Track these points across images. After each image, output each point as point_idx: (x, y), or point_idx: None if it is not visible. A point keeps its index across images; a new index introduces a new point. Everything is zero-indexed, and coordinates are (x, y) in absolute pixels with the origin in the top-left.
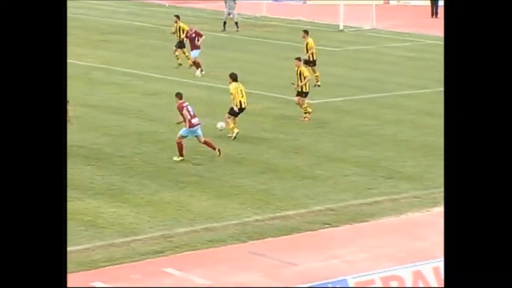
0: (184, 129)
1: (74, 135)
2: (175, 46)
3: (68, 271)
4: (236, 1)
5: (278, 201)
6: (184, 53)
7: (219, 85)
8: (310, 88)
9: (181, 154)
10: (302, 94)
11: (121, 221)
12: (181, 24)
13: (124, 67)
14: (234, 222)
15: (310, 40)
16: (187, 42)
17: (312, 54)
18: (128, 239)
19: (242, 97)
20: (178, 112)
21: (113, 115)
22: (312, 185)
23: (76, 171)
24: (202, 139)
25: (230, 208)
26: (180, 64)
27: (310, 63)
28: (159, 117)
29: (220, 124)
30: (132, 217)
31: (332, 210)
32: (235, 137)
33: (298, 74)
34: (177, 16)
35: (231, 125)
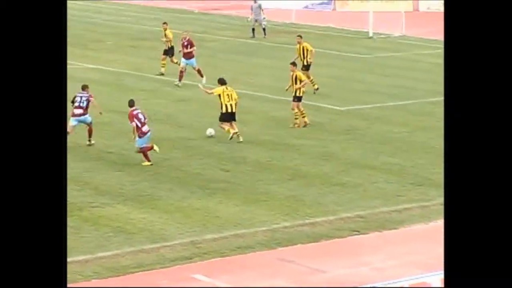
0: (137, 140)
1: (104, 141)
2: (169, 56)
3: (97, 276)
4: (263, 8)
5: (307, 208)
6: (162, 60)
7: (250, 92)
8: (303, 93)
9: (148, 160)
10: (294, 98)
11: (151, 227)
12: (167, 32)
13: (154, 73)
14: (263, 228)
15: (306, 44)
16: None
17: (307, 58)
18: (157, 245)
19: (229, 101)
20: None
21: None
22: (341, 192)
23: (106, 177)
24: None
25: (258, 215)
26: (162, 74)
27: (304, 67)
28: (189, 123)
29: (209, 131)
30: (161, 223)
31: (361, 217)
32: (231, 138)
33: (294, 78)
34: (166, 23)
35: (226, 128)
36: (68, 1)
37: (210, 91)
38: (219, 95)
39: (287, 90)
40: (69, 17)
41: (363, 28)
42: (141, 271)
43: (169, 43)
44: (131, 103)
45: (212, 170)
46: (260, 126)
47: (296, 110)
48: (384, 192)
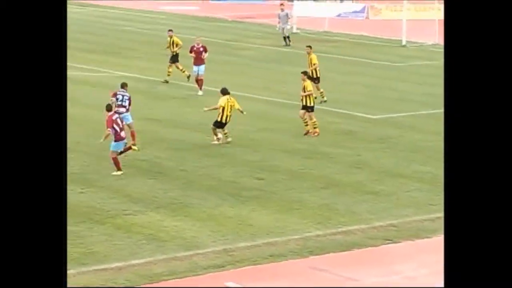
0: (113, 144)
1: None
2: (170, 61)
3: (130, 284)
4: (290, 16)
5: (340, 216)
6: (177, 67)
7: (282, 100)
8: (315, 102)
9: (119, 169)
10: (307, 108)
11: (183, 234)
12: (175, 38)
13: (187, 81)
14: (295, 237)
15: (313, 56)
16: (179, 55)
17: (315, 70)
18: (190, 253)
19: (230, 112)
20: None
21: (175, 129)
22: (374, 201)
23: (139, 185)
24: (115, 154)
25: (291, 223)
26: (167, 81)
27: (314, 80)
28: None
29: (216, 139)
30: (194, 231)
31: (393, 226)
32: (225, 142)
33: (303, 87)
34: (171, 30)
35: (218, 136)
36: (101, 10)
37: (214, 107)
38: (223, 107)
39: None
40: (101, 25)
41: (396, 37)
42: (174, 278)
43: (176, 49)
44: (109, 108)
45: (245, 178)
46: (292, 134)
47: (314, 119)
48: (417, 201)
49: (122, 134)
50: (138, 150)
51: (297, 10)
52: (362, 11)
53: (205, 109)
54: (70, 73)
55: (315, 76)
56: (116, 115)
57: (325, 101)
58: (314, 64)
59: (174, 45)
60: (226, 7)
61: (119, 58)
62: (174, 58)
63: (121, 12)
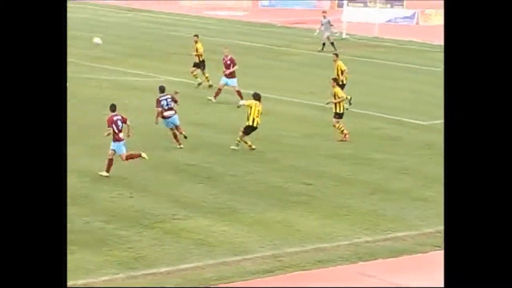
0: (112, 143)
1: (185, 153)
2: (200, 68)
3: None
4: (332, 24)
5: (389, 222)
6: (192, 72)
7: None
8: (344, 110)
9: (136, 156)
10: (335, 114)
11: (232, 240)
12: (198, 45)
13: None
14: (344, 242)
15: (340, 63)
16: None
17: (345, 77)
18: (238, 258)
19: (258, 116)
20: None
21: (224, 134)
22: (423, 207)
23: (188, 190)
24: (124, 156)
25: (339, 229)
26: (211, 86)
27: (341, 86)
28: (270, 136)
29: (96, 40)
30: (242, 236)
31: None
32: (253, 148)
33: (333, 94)
34: (197, 36)
35: (249, 143)
36: (151, 15)
37: (246, 103)
38: (250, 107)
39: (327, 104)
40: (149, 30)
41: None
42: (222, 283)
43: (200, 56)
44: (113, 108)
45: (293, 184)
46: (338, 139)
47: (337, 125)
48: None
49: (121, 135)
50: (186, 136)
51: (347, 16)
52: (412, 17)
53: (240, 103)
54: (118, 78)
55: (341, 82)
56: (118, 117)
57: (350, 99)
58: (344, 71)
59: (196, 51)
60: (275, 12)
61: (164, 63)
62: (200, 64)
63: (168, 17)
